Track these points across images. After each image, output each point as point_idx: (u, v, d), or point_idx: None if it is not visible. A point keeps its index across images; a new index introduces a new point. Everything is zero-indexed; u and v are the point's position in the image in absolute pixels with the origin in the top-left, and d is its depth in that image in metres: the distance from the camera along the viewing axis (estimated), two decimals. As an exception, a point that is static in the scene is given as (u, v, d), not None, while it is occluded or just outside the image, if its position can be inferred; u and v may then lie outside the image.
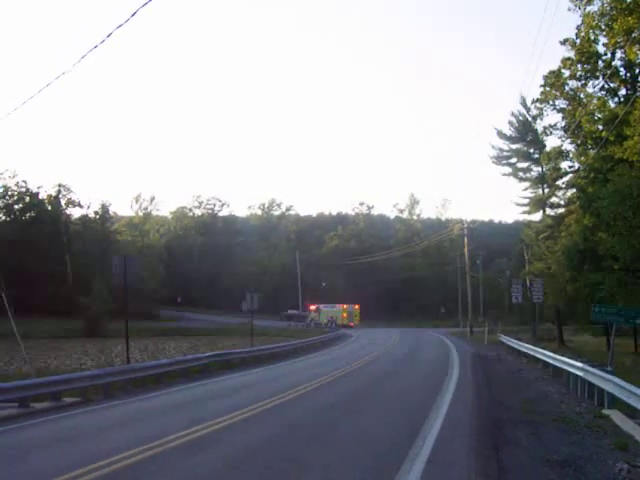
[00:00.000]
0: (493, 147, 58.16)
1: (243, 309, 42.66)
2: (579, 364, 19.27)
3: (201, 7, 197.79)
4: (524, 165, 56.15)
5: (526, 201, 56.20)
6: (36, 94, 23.03)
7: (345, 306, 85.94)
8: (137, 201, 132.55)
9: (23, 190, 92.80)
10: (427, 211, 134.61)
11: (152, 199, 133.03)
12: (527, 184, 55.95)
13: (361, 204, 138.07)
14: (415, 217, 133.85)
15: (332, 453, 10.85)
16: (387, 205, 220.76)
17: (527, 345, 33.73)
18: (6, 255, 74.23)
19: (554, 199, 53.85)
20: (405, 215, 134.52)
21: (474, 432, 13.07)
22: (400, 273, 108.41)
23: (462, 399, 17.88)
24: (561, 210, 52.53)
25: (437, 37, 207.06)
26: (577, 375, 19.35)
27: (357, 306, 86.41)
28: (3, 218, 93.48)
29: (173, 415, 15.58)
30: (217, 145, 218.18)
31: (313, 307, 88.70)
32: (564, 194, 52.34)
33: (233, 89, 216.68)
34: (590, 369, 17.79)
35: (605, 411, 15.74)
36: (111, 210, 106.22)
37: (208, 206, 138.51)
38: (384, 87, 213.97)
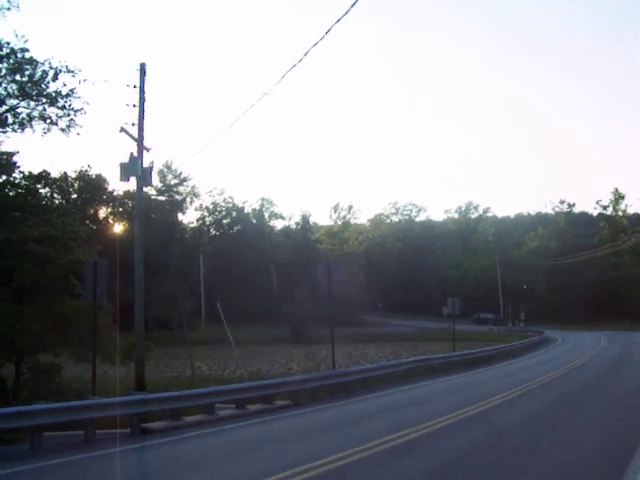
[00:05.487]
0: None
1: (444, 314, 42.69)
2: None
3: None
4: None
5: None
6: (241, 115, 24.64)
7: None
8: (336, 210, 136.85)
9: (230, 206, 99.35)
10: (635, 206, 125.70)
11: (350, 208, 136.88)
12: None
13: (562, 202, 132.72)
14: (621, 213, 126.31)
15: (540, 462, 10.54)
16: (589, 202, 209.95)
17: None
18: (218, 267, 79.76)
19: None
20: (609, 212, 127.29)
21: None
22: (606, 273, 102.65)
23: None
24: None
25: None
26: None
27: None
28: (214, 232, 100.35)
29: (379, 419, 15.94)
30: (412, 150, 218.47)
31: None
32: None
33: (425, 94, 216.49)
34: None
35: None
36: (311, 220, 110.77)
37: (405, 212, 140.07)
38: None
